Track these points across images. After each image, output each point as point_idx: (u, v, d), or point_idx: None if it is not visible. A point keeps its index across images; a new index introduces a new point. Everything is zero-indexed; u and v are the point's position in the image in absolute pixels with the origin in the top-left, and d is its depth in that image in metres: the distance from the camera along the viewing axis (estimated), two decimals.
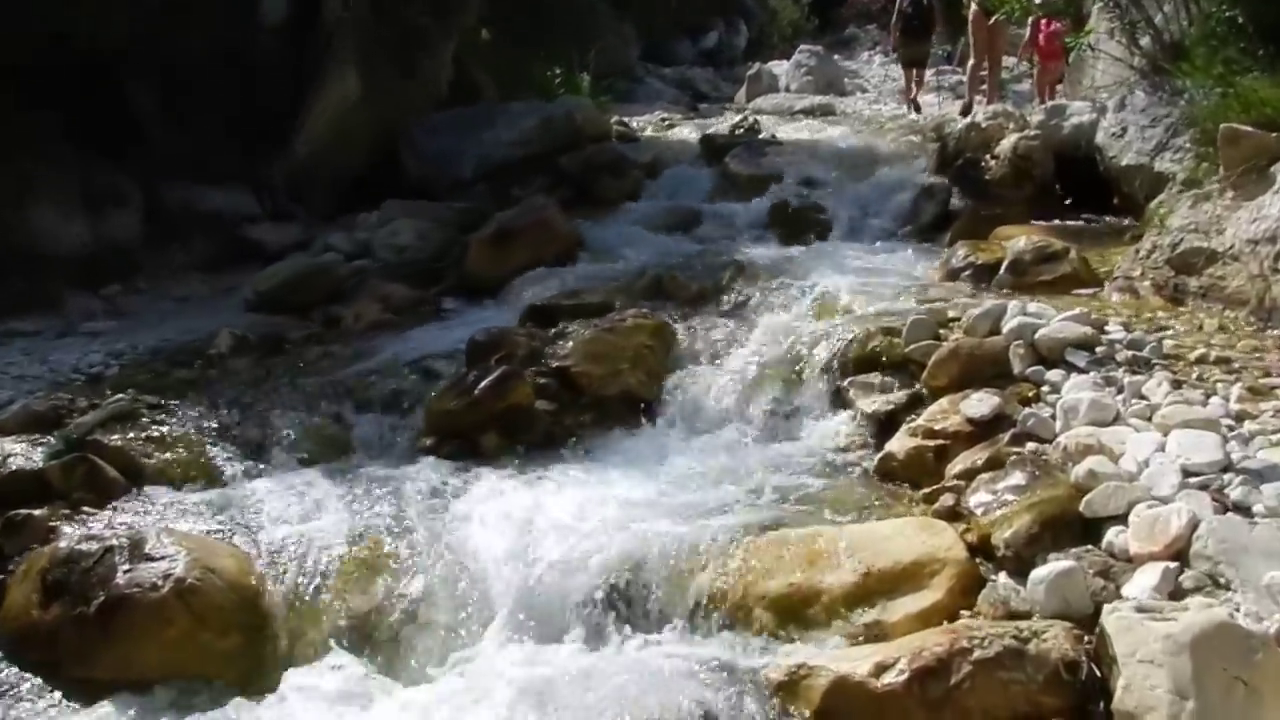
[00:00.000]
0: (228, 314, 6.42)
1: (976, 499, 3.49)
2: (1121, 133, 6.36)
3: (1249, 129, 4.84)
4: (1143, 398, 3.72)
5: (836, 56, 16.20)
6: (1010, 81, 11.98)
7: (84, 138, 7.37)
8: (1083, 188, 6.81)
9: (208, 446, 4.42)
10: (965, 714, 2.70)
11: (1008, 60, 11.36)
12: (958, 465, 3.73)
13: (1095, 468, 3.32)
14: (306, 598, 3.45)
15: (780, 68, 15.04)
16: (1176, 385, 3.76)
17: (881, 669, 2.78)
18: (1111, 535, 3.10)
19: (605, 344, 4.89)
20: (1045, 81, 9.86)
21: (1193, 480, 3.17)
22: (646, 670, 2.99)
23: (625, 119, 11.15)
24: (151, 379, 5.19)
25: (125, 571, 3.40)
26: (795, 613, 3.17)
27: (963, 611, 3.08)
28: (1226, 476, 3.17)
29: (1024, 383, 4.04)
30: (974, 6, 10.10)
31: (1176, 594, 2.82)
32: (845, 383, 4.46)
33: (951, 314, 4.67)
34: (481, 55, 10.84)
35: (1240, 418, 3.52)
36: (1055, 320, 4.24)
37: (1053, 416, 3.74)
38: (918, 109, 11.16)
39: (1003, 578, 3.15)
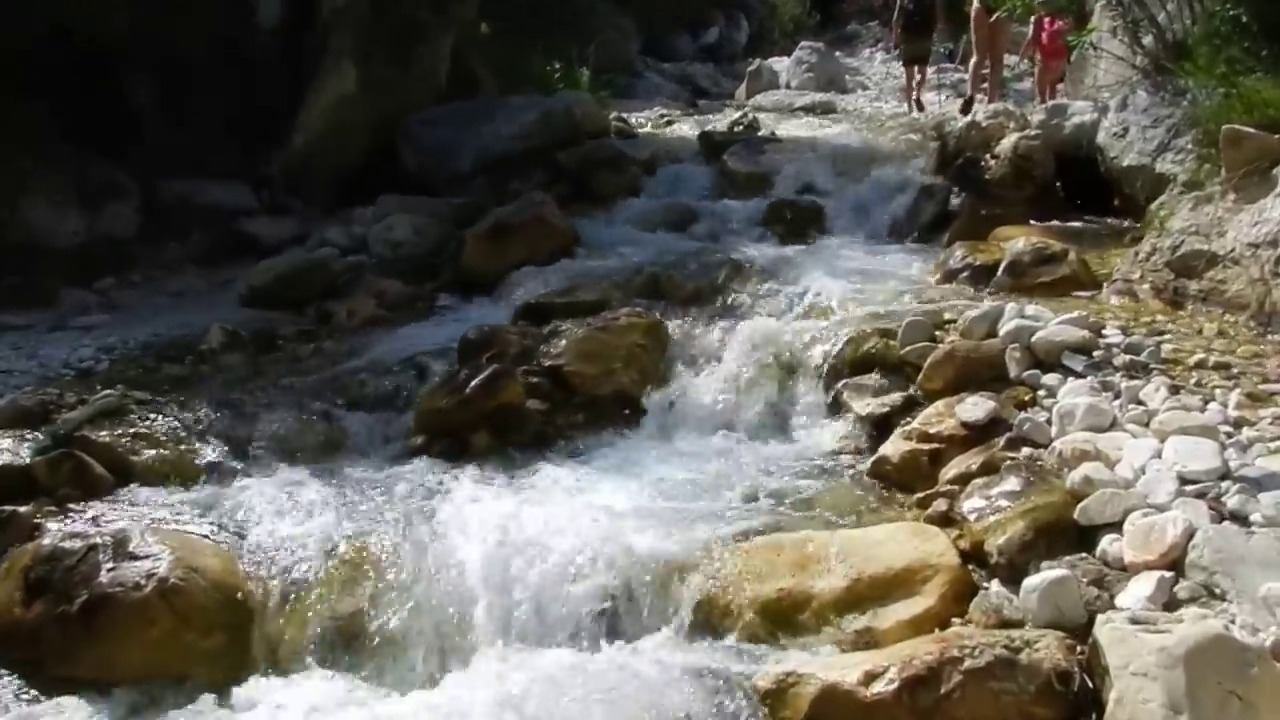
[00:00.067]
0: (222, 309, 6.37)
1: (970, 504, 3.45)
2: (1123, 133, 6.31)
3: (1251, 130, 4.80)
4: (1140, 403, 3.68)
5: (838, 53, 16.15)
6: (1011, 80, 11.92)
7: (81, 132, 7.35)
8: (1083, 188, 6.76)
9: (196, 444, 4.38)
10: None
11: (1009, 59, 11.30)
12: (952, 470, 3.69)
13: (1091, 474, 3.28)
14: (291, 598, 3.41)
15: (781, 64, 14.99)
16: (1174, 391, 3.72)
17: (871, 678, 2.75)
18: (1106, 543, 3.06)
19: (598, 343, 4.85)
20: (1047, 80, 9.82)
21: (1190, 488, 3.13)
22: (634, 677, 2.95)
23: (624, 115, 11.09)
24: (141, 374, 5.16)
25: (108, 570, 3.38)
26: (785, 619, 3.14)
27: (954, 619, 3.05)
28: (1224, 484, 3.13)
29: (1020, 386, 4.01)
30: (975, 4, 10.05)
31: (1171, 604, 2.79)
32: (840, 385, 4.43)
33: (948, 316, 4.63)
34: (481, 48, 10.79)
35: (1239, 424, 3.48)
36: (1053, 323, 4.20)
37: (1048, 421, 3.70)
38: (921, 107, 11.11)
39: (995, 585, 3.11)
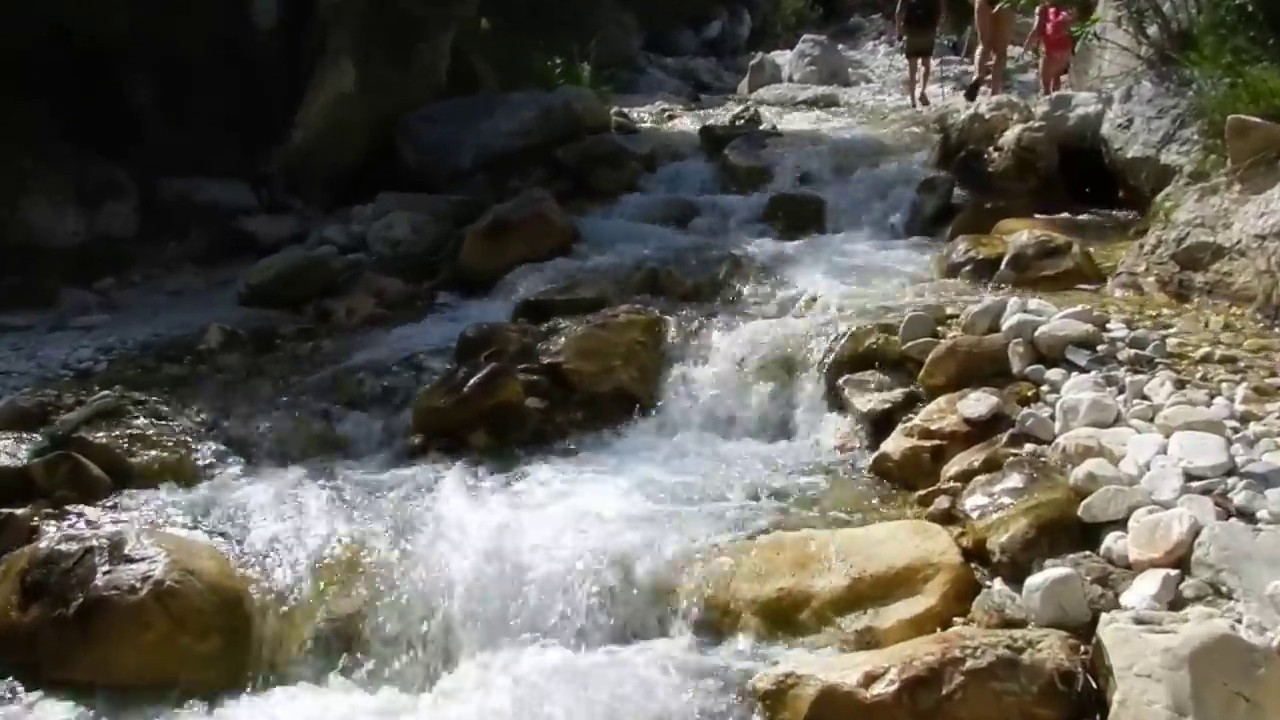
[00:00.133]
0: (221, 307, 6.35)
1: (972, 502, 3.41)
2: (1128, 124, 6.24)
3: (1258, 120, 4.75)
4: (1145, 398, 3.64)
5: (840, 46, 16.06)
6: (1015, 71, 11.84)
7: (81, 132, 7.34)
8: (1088, 180, 6.69)
9: (193, 445, 4.36)
10: None
11: (1013, 50, 11.22)
12: (954, 467, 3.65)
13: (1095, 470, 3.24)
14: (288, 601, 3.38)
15: (784, 58, 14.93)
16: (1180, 385, 3.67)
17: (871, 679, 2.71)
18: (1110, 541, 3.02)
19: (597, 340, 4.82)
20: (1051, 71, 9.76)
21: (1195, 484, 3.09)
22: (632, 678, 2.92)
23: (626, 110, 11.06)
24: (140, 375, 5.14)
25: (105, 573, 3.36)
26: (785, 618, 3.11)
27: (956, 618, 3.01)
28: (1230, 481, 3.09)
29: (1023, 382, 3.96)
30: None
31: (1177, 603, 2.75)
32: (840, 381, 4.38)
33: (950, 310, 4.59)
34: (481, 44, 10.75)
35: (1245, 419, 3.43)
36: (1056, 317, 4.16)
37: (1052, 417, 3.66)
38: (925, 102, 11.04)
39: (998, 584, 3.07)
